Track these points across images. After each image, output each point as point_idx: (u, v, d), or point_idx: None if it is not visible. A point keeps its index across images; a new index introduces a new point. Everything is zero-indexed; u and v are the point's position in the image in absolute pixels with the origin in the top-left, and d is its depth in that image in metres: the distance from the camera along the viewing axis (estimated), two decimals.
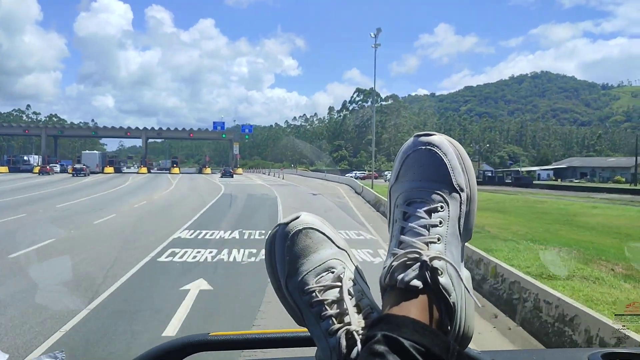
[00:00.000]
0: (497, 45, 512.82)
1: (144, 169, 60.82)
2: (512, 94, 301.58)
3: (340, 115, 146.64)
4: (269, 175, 63.92)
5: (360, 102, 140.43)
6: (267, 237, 0.78)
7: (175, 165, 63.76)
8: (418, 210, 0.71)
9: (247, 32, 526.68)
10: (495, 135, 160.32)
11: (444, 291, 0.64)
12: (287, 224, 0.75)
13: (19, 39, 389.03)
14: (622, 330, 4.26)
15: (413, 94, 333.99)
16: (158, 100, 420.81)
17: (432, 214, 0.70)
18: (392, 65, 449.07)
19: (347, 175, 71.65)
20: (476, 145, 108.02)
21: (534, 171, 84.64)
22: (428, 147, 0.74)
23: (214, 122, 72.05)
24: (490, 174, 64.89)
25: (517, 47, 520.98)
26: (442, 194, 0.71)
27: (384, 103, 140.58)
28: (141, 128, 64.30)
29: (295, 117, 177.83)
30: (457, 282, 0.67)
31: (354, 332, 0.64)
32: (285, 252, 0.73)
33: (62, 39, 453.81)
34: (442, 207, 0.71)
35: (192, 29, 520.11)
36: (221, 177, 58.99)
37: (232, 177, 61.09)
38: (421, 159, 0.74)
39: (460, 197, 0.72)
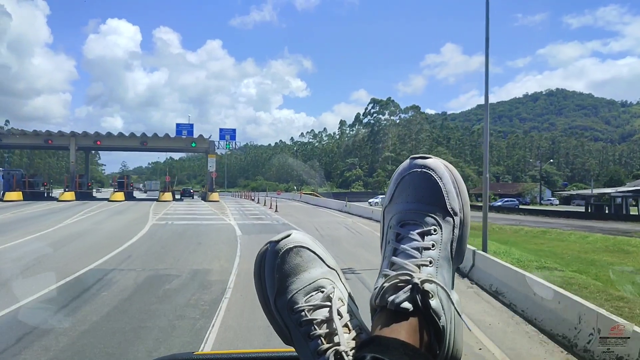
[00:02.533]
0: (505, 66, 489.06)
1: (69, 195, 40.20)
2: (527, 112, 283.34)
3: (352, 130, 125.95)
4: (257, 202, 42.72)
5: (376, 115, 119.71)
6: (257, 255, 0.76)
7: (118, 189, 43.15)
8: (411, 232, 0.70)
9: (254, 53, 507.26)
10: (525, 153, 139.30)
11: (434, 314, 0.64)
12: (277, 241, 0.73)
13: (28, 62, 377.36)
14: None
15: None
16: (166, 121, 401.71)
17: (425, 236, 0.70)
18: (398, 85, 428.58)
19: (371, 201, 50.57)
20: (536, 161, 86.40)
21: (607, 194, 62.83)
22: (424, 169, 0.73)
23: (177, 125, 47.64)
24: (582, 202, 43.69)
25: (524, 68, 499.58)
26: (436, 217, 0.71)
27: (403, 115, 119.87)
28: (68, 132, 43.65)
29: (302, 134, 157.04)
30: (447, 305, 0.66)
31: (343, 353, 0.63)
32: (275, 270, 0.72)
33: (71, 61, 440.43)
34: (435, 230, 0.70)
35: (199, 50, 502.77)
36: (180, 197, 51.28)
37: (193, 197, 53.56)
38: (416, 182, 0.73)
39: (454, 221, 0.72)
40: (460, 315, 0.68)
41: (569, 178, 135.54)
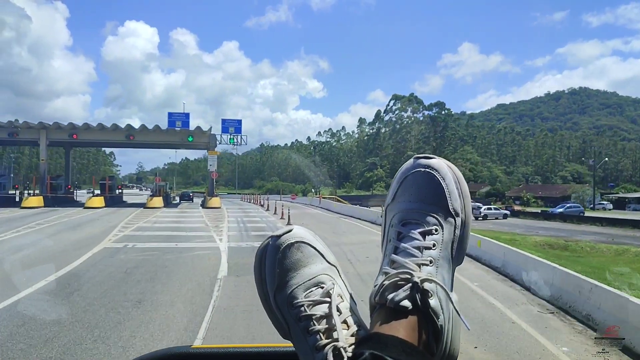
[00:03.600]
0: (523, 65, 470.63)
1: (35, 200, 31.74)
2: (549, 111, 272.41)
3: (373, 128, 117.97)
4: (267, 209, 34.86)
5: (397, 112, 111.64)
6: (257, 249, 0.75)
7: (100, 192, 35.58)
8: (412, 231, 0.70)
9: (270, 54, 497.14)
10: (554, 152, 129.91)
11: (432, 314, 0.63)
12: (279, 236, 0.73)
13: (48, 64, 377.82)
14: None
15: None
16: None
17: (426, 236, 0.69)
18: (414, 85, 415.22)
19: None
20: (590, 159, 77.25)
21: None
22: (427, 169, 0.73)
23: (169, 114, 38.71)
24: None
25: (544, 67, 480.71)
26: (438, 217, 0.71)
27: (427, 112, 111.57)
28: (36, 123, 34.68)
29: (320, 133, 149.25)
30: (446, 305, 0.65)
31: (342, 349, 0.63)
32: (275, 264, 0.71)
33: (90, 63, 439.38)
34: (436, 230, 0.70)
35: (216, 52, 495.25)
36: (179, 201, 51.20)
37: (192, 201, 52.57)
38: (419, 181, 0.73)
39: (455, 222, 0.71)
40: (459, 315, 0.67)
41: (601, 179, 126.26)
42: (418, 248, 0.68)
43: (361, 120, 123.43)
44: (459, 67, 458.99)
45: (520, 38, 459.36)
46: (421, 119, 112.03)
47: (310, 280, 0.70)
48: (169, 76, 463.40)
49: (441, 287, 0.65)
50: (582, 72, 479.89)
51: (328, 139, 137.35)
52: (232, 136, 40.37)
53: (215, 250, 14.36)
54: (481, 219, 39.44)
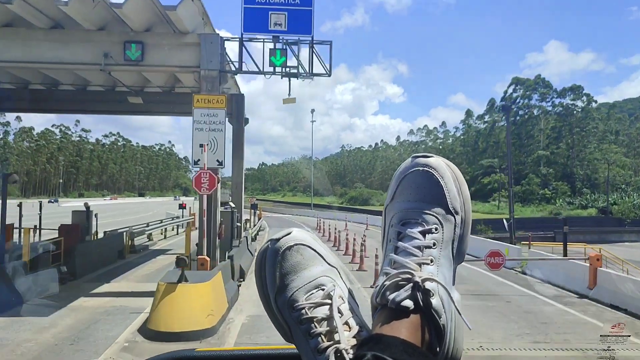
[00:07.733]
0: (618, 64, 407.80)
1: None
2: None
3: (483, 122, 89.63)
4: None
5: (521, 100, 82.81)
6: (257, 252, 0.72)
7: None
8: (412, 230, 0.67)
9: (347, 59, 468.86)
10: None
11: (434, 313, 0.61)
12: (278, 239, 0.70)
13: None
14: None
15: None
16: (263, 129, 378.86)
17: (426, 235, 0.67)
18: (495, 88, 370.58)
19: None
20: None
21: None
22: (425, 168, 0.69)
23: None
24: None
25: None
26: (437, 216, 0.68)
27: (559, 100, 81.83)
28: None
29: (412, 131, 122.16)
30: (447, 304, 0.63)
31: (343, 351, 0.61)
32: (276, 267, 0.68)
33: None
34: (436, 229, 0.67)
35: (293, 58, 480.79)
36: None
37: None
38: (418, 180, 0.70)
39: (455, 220, 0.69)
40: (460, 315, 0.64)
41: None
42: (418, 247, 0.66)
43: (468, 113, 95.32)
44: (544, 66, 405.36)
45: (615, 34, 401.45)
46: (550, 108, 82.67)
47: (310, 282, 0.67)
48: (248, 84, 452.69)
49: (442, 286, 0.62)
50: None
51: (422, 138, 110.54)
52: (284, 41, 11.11)
53: None
54: None
